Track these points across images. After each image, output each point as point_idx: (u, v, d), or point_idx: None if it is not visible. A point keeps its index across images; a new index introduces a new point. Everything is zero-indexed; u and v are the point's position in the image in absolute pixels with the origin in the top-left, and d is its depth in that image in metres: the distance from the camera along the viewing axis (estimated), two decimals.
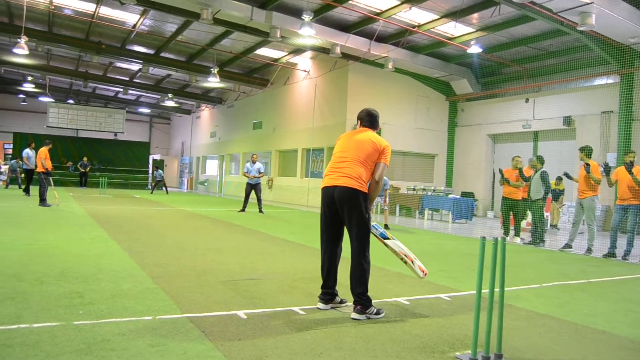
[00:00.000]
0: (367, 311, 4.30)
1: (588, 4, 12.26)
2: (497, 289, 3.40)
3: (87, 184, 29.39)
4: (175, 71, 25.76)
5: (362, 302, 4.30)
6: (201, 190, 35.12)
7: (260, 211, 15.99)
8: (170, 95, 31.37)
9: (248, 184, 16.15)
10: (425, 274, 4.62)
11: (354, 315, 4.29)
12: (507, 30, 16.44)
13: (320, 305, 4.58)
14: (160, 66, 24.73)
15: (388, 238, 4.61)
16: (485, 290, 3.38)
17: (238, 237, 10.09)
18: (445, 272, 7.03)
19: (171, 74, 28.04)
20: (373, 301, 4.41)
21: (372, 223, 4.54)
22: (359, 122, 4.81)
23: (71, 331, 3.60)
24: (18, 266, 5.82)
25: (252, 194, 16.15)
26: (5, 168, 27.98)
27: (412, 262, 4.58)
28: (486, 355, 3.32)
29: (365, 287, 4.33)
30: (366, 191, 4.39)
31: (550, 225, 15.24)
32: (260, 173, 16.09)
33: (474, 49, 16.59)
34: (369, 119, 4.76)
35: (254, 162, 16.11)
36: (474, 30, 16.78)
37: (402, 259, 4.59)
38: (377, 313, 4.35)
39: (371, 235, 4.48)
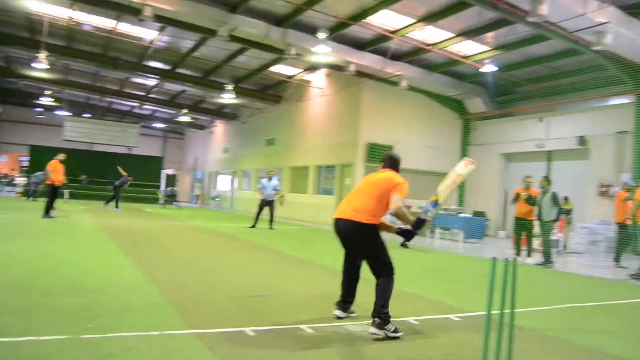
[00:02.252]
0: (386, 327, 4.30)
1: (603, 23, 12.22)
2: (507, 310, 3.36)
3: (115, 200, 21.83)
4: (191, 87, 26.03)
5: (381, 316, 4.32)
6: (213, 206, 35.22)
7: (271, 227, 15.91)
8: (184, 111, 31.65)
9: (262, 200, 15.88)
10: (471, 162, 5.05)
11: (372, 329, 4.32)
12: (522, 49, 16.39)
13: (338, 312, 4.87)
14: (175, 82, 25.01)
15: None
16: (496, 312, 3.33)
17: (248, 253, 10.09)
18: (456, 292, 6.96)
19: (186, 90, 28.30)
20: None
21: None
22: (381, 164, 5.03)
23: (79, 345, 3.61)
24: (27, 278, 5.85)
25: (265, 210, 15.97)
26: (22, 180, 28.22)
27: (458, 177, 4.94)
28: None
29: (385, 302, 4.38)
30: (375, 223, 4.56)
31: (564, 247, 15.05)
32: (275, 191, 15.94)
33: (488, 68, 16.56)
34: (390, 162, 4.97)
35: (270, 179, 15.93)
36: (488, 49, 16.77)
37: (452, 189, 4.95)
38: (395, 331, 4.33)
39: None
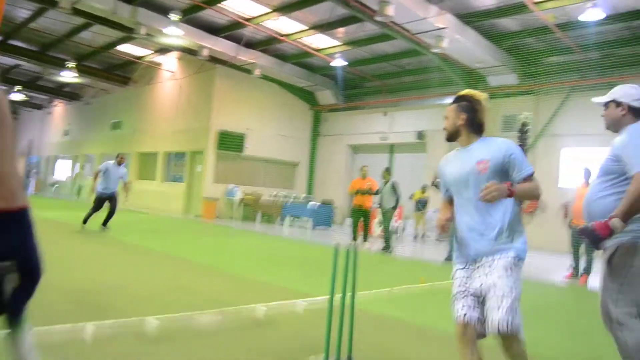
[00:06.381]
0: None
1: (441, 28, 13.29)
2: (349, 294, 3.55)
3: None
4: (26, 61, 23.69)
5: None
6: (51, 193, 32.53)
7: (104, 226, 11.25)
8: (18, 88, 28.76)
9: (102, 192, 11.24)
10: None
11: None
12: (370, 46, 17.27)
13: None
14: (8, 54, 22.57)
15: None
16: (339, 295, 3.51)
17: (88, 245, 9.51)
18: (304, 279, 7.19)
19: (21, 64, 25.72)
20: (229, 307, 4.39)
21: None
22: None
23: None
24: None
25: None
26: None
27: None
28: (337, 358, 3.45)
29: None
30: None
31: (423, 235, 15.97)
32: (124, 181, 11.82)
33: (338, 62, 17.20)
34: None
35: (119, 164, 11.61)
36: (339, 43, 17.39)
37: None
38: None
39: None
